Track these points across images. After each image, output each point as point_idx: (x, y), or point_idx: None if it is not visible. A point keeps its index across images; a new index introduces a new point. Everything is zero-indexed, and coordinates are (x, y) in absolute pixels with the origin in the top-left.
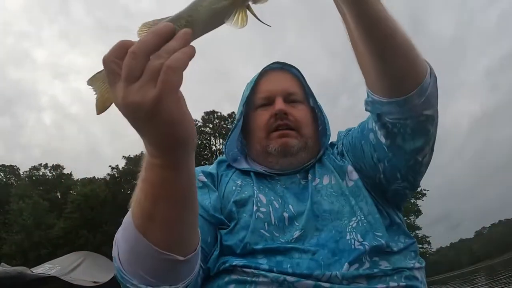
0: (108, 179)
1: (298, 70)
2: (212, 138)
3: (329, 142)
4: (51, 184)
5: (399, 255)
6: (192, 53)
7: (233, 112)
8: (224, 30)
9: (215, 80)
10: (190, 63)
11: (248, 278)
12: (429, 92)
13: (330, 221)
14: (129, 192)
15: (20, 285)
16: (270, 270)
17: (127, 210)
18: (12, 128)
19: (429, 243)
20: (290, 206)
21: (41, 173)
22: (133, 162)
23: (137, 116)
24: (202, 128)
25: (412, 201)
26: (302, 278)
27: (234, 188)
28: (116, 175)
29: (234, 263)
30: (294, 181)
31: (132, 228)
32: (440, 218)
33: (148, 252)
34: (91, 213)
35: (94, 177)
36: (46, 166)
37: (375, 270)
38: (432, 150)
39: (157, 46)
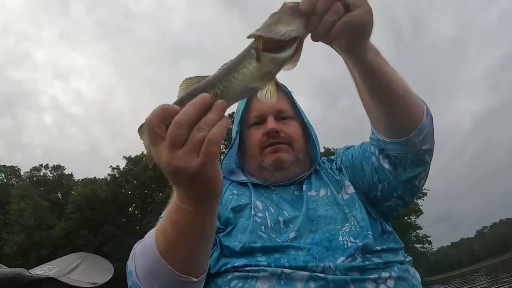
0: (108, 179)
1: (286, 87)
2: None
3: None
4: (52, 184)
5: (391, 253)
6: (227, 125)
7: (233, 112)
8: (225, 36)
9: None
10: (193, 67)
11: (250, 274)
12: (427, 131)
13: (324, 225)
14: (129, 192)
15: (17, 287)
16: (269, 266)
17: (128, 210)
18: (12, 129)
19: (430, 242)
20: (285, 212)
21: (42, 174)
22: (133, 162)
23: (180, 177)
24: None
25: None
26: (298, 270)
27: (231, 197)
28: (116, 175)
29: (235, 264)
30: (288, 192)
31: (155, 252)
32: (441, 217)
33: (167, 273)
34: (92, 213)
35: (94, 177)
36: (47, 166)
37: (367, 263)
38: (427, 175)
39: (198, 117)
